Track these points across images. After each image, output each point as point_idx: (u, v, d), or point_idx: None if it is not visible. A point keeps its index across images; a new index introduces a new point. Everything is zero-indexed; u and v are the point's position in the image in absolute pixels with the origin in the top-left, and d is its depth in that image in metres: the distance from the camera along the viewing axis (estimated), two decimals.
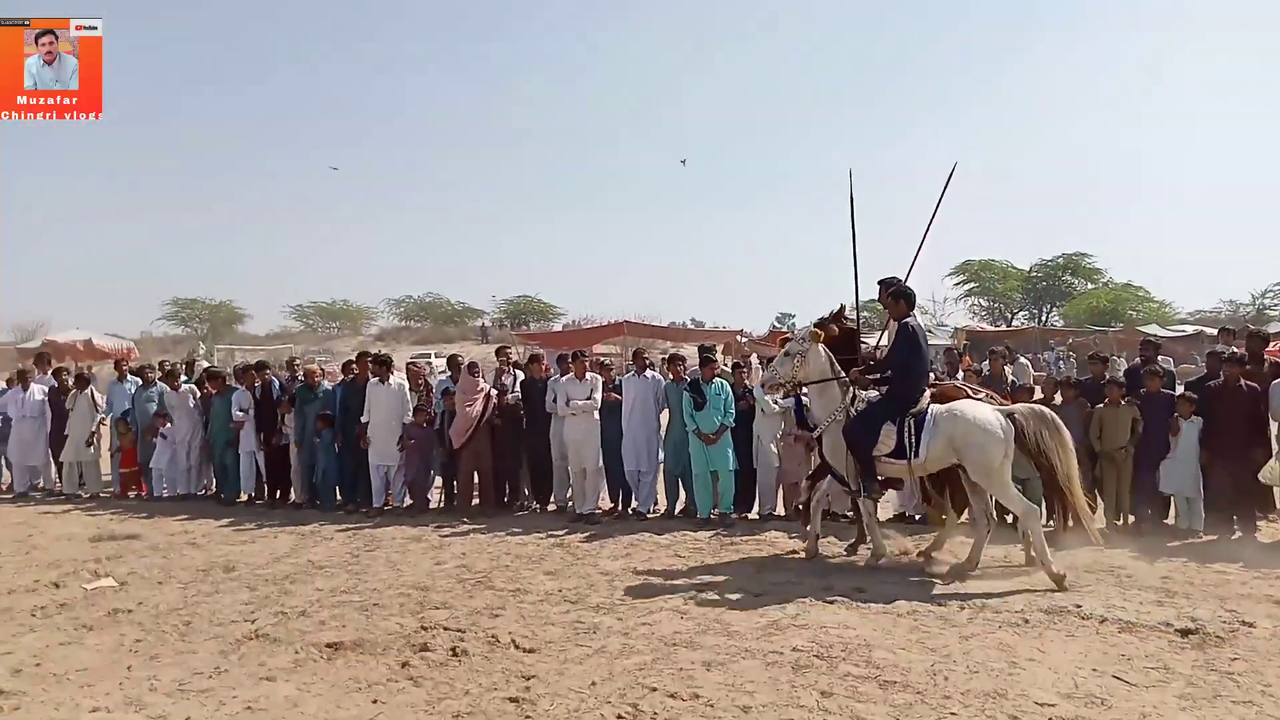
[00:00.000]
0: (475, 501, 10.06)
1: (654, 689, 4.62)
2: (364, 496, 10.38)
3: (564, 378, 9.82)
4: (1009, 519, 7.81)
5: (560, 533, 8.88)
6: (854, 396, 7.24)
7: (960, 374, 9.25)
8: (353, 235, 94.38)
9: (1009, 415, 6.94)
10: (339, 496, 10.65)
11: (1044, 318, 53.39)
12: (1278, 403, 7.96)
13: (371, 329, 58.14)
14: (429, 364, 16.78)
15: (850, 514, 8.31)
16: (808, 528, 7.75)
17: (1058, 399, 8.96)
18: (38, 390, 12.20)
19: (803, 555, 7.62)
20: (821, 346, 7.31)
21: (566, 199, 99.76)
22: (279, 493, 11.08)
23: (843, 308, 7.77)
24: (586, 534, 8.77)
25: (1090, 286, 52.88)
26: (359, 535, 8.95)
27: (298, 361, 13.30)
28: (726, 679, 4.75)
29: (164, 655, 5.38)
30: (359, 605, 6.35)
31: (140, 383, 12.10)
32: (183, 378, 12.13)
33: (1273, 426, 8.15)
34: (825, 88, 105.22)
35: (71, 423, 11.87)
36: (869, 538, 7.52)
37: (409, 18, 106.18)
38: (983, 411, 6.92)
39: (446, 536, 8.81)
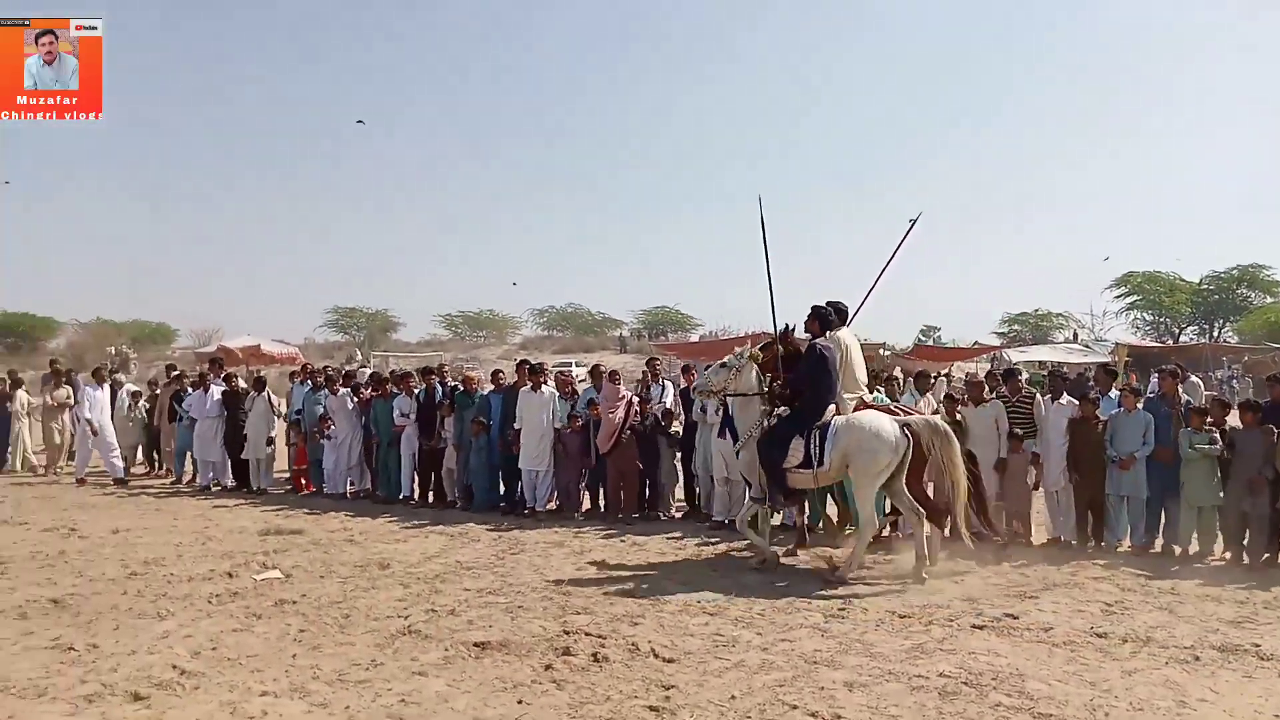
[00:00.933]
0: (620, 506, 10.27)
1: (794, 706, 4.57)
2: (512, 499, 10.72)
3: None
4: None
5: (700, 541, 8.91)
6: (771, 412, 7.81)
7: (1114, 392, 8.97)
8: (499, 246, 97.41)
9: (905, 426, 7.45)
10: (488, 499, 11.03)
11: (1215, 334, 49.82)
12: None
13: (516, 338, 59.88)
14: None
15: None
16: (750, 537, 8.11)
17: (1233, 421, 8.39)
18: (216, 391, 13.17)
19: (756, 564, 7.83)
20: (754, 365, 7.91)
21: (710, 210, 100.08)
22: (432, 493, 11.57)
23: (791, 328, 8.12)
24: (727, 544, 8.77)
25: (1269, 300, 49.06)
26: (505, 538, 9.22)
27: (446, 368, 13.83)
28: (869, 701, 4.65)
29: (325, 646, 5.68)
30: (504, 607, 6.54)
31: (310, 386, 12.86)
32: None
33: None
34: (989, 91, 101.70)
35: (250, 422, 12.74)
36: (755, 545, 8.01)
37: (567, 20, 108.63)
38: (879, 421, 7.47)
39: (588, 541, 8.99)
